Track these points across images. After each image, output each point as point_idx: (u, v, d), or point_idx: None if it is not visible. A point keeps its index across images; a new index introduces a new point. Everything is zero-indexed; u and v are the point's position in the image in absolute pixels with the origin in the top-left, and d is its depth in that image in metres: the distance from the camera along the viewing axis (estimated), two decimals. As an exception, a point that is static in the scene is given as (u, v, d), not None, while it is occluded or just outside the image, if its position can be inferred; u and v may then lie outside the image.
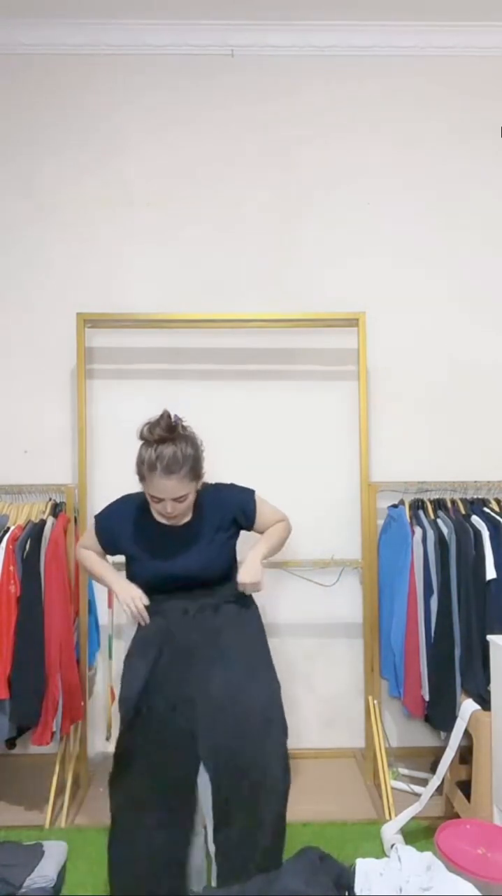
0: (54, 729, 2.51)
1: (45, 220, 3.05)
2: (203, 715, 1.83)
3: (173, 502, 1.89)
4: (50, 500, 2.82)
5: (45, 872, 1.96)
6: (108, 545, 2.08)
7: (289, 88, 3.08)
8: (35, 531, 2.61)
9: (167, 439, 1.88)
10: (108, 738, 2.88)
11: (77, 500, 2.80)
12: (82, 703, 2.66)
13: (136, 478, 1.95)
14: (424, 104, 3.09)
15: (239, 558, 2.11)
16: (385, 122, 3.08)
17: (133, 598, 1.94)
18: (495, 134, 3.09)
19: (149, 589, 1.97)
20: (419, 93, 3.09)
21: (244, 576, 1.98)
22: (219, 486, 2.10)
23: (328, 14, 2.96)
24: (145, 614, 1.94)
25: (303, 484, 2.99)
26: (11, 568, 2.53)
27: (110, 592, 2.81)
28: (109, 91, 3.07)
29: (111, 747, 2.90)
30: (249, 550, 2.06)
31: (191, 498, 1.95)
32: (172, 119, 3.07)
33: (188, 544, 1.98)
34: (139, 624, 1.96)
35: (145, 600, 1.94)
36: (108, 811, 2.55)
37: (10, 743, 2.62)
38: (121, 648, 2.93)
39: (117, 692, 2.86)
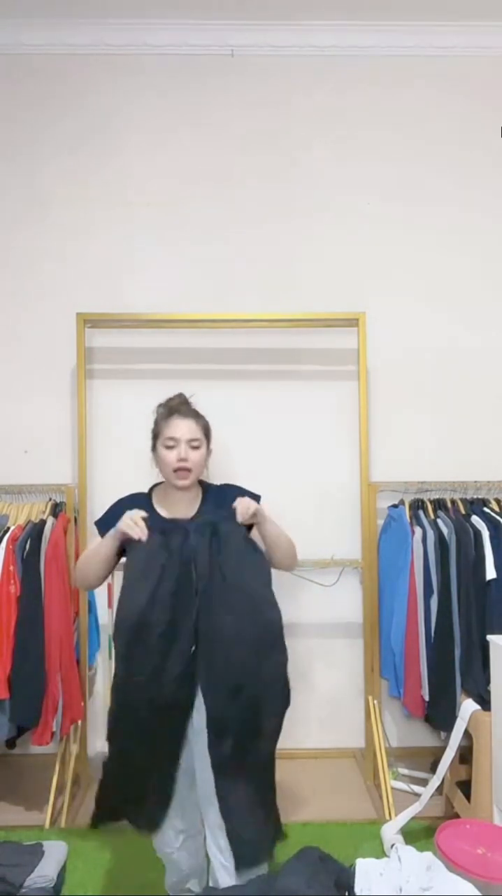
0: (54, 729, 2.52)
1: (46, 220, 3.05)
2: (203, 639, 1.77)
3: (187, 447, 1.94)
4: (50, 500, 2.82)
5: (45, 872, 1.96)
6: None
7: (288, 88, 3.08)
8: (35, 531, 2.61)
9: (182, 404, 2.04)
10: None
11: (77, 500, 2.80)
12: (82, 703, 2.66)
13: (149, 447, 2.04)
14: (424, 104, 3.09)
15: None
16: (385, 121, 3.08)
17: (131, 516, 1.84)
18: (495, 134, 3.09)
19: None
20: (419, 93, 3.09)
21: (240, 501, 1.89)
22: (225, 485, 2.11)
23: (328, 14, 2.96)
24: (144, 526, 1.84)
25: (303, 484, 2.99)
26: (11, 568, 2.53)
27: (110, 592, 2.81)
28: (109, 91, 3.07)
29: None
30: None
31: (202, 455, 1.98)
32: (172, 119, 3.07)
33: None
34: (135, 544, 1.85)
35: (143, 514, 1.86)
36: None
37: (10, 743, 2.62)
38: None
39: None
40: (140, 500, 2.02)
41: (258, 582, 1.86)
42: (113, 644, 1.87)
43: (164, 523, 1.90)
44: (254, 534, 1.98)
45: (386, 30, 3.03)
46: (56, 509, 2.77)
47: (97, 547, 1.94)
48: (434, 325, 3.06)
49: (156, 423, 2.04)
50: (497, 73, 3.10)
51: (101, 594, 2.87)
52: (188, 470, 1.94)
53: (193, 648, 1.76)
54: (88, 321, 2.85)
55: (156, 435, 2.03)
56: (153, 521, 1.88)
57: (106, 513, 2.03)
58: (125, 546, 1.88)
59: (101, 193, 3.05)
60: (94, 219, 3.05)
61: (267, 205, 3.07)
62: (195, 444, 1.96)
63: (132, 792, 1.87)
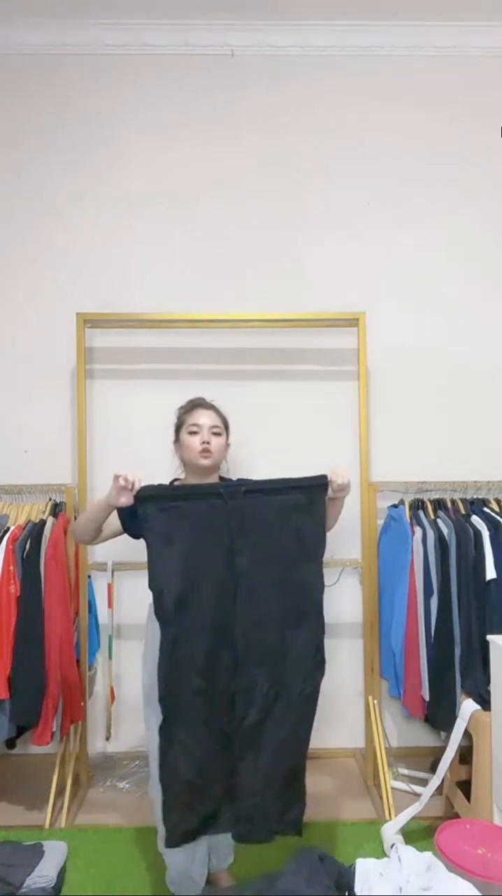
0: (54, 729, 2.51)
1: (46, 220, 3.05)
2: (241, 603, 1.85)
3: (209, 433, 2.08)
4: (50, 500, 2.82)
5: (45, 872, 1.96)
6: (135, 527, 2.00)
7: (289, 88, 3.08)
8: (35, 531, 2.61)
9: (204, 400, 2.20)
10: (107, 738, 2.88)
11: (77, 500, 2.80)
12: (82, 703, 2.66)
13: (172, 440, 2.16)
14: (424, 104, 3.09)
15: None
16: (385, 121, 3.08)
17: (121, 475, 1.88)
18: (495, 133, 3.09)
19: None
20: (419, 93, 3.09)
21: (338, 475, 1.97)
22: (242, 479, 2.18)
23: (328, 14, 2.96)
24: (134, 482, 1.89)
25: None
26: (11, 568, 2.53)
27: (110, 592, 2.81)
28: (109, 91, 3.07)
29: (111, 747, 2.92)
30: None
31: (222, 442, 2.12)
32: (172, 119, 3.07)
33: None
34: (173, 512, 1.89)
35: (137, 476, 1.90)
36: (106, 812, 2.57)
37: (10, 743, 2.62)
38: (121, 648, 2.94)
39: (117, 692, 2.87)
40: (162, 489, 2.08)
41: (298, 549, 1.92)
42: (155, 613, 1.89)
43: (190, 488, 2.01)
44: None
45: (387, 30, 3.03)
46: (56, 509, 2.77)
47: (84, 516, 2.04)
48: (434, 325, 3.06)
49: (180, 416, 2.18)
50: (497, 73, 3.10)
51: (101, 594, 2.87)
52: (210, 451, 2.07)
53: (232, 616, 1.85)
54: (88, 321, 2.85)
55: (179, 426, 2.16)
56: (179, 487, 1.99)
57: None
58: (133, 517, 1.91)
59: (100, 193, 3.05)
60: (94, 219, 3.05)
61: (267, 205, 3.07)
62: (216, 430, 2.11)
63: (200, 796, 1.87)
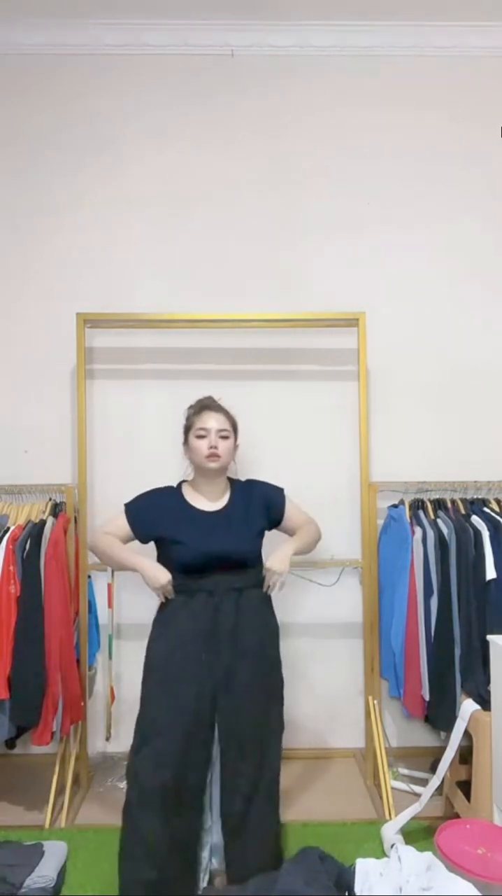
0: (54, 729, 2.51)
1: (46, 220, 3.05)
2: (222, 693, 1.98)
3: (217, 436, 2.12)
4: (50, 500, 2.82)
5: (45, 872, 1.96)
6: (144, 531, 2.14)
7: (289, 88, 3.08)
8: (35, 531, 2.61)
9: (213, 401, 2.24)
10: (107, 739, 2.88)
11: (77, 500, 2.80)
12: (82, 703, 2.66)
13: (181, 441, 2.22)
14: (424, 104, 3.09)
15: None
16: (385, 121, 3.08)
17: (158, 579, 2.03)
18: (495, 133, 3.09)
19: (186, 569, 2.05)
20: (419, 93, 3.09)
21: (273, 562, 2.09)
22: (251, 481, 2.28)
23: (328, 14, 2.96)
24: (171, 591, 2.04)
25: (302, 484, 2.97)
26: (11, 568, 2.53)
27: (110, 592, 2.81)
28: (109, 91, 3.07)
29: (111, 747, 2.92)
30: (281, 544, 2.16)
31: (230, 445, 2.16)
32: (172, 119, 3.07)
33: (223, 527, 2.11)
34: (164, 602, 2.07)
35: (169, 578, 2.04)
36: (107, 811, 2.57)
37: (10, 743, 2.62)
38: (121, 648, 2.94)
39: (117, 692, 2.87)
40: (173, 493, 2.18)
41: (269, 640, 2.10)
42: (142, 685, 2.05)
43: (192, 583, 2.04)
44: (288, 513, 2.24)
45: (387, 30, 3.03)
46: (56, 509, 2.77)
47: (115, 552, 2.11)
48: (434, 325, 3.06)
49: (188, 418, 2.21)
50: (497, 73, 3.10)
51: (101, 594, 2.87)
52: (218, 456, 2.11)
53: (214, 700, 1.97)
54: (88, 321, 2.85)
55: (187, 428, 2.19)
56: (179, 582, 2.04)
57: (137, 498, 2.18)
58: (150, 533, 2.13)
59: (100, 193, 3.05)
60: (94, 219, 3.05)
61: (267, 204, 3.07)
62: (224, 433, 2.14)
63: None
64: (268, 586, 2.09)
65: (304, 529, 2.26)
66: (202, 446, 2.11)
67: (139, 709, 2.01)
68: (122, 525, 2.15)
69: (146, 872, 1.86)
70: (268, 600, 2.13)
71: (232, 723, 1.96)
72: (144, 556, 2.09)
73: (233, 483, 2.23)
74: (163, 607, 2.07)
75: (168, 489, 2.20)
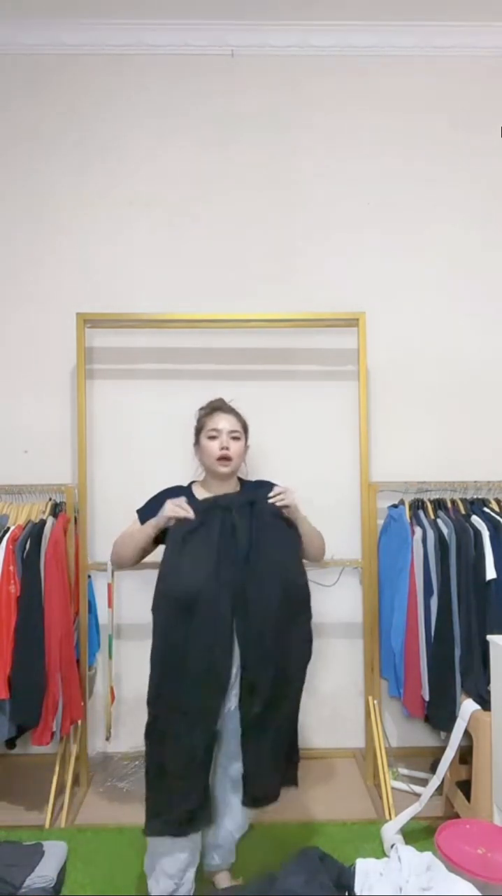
0: (54, 729, 2.51)
1: (46, 220, 3.05)
2: (240, 606, 1.92)
3: (228, 438, 2.11)
4: (50, 500, 2.82)
5: (45, 872, 1.96)
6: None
7: (288, 88, 3.08)
8: (35, 531, 2.61)
9: (224, 403, 2.23)
10: (107, 739, 2.88)
11: (77, 500, 2.80)
12: (82, 703, 2.66)
13: (192, 441, 2.20)
14: (424, 104, 3.09)
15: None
16: (385, 121, 3.08)
17: (174, 501, 2.00)
18: (495, 133, 3.09)
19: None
20: (419, 93, 3.09)
21: (282, 488, 2.05)
22: (262, 482, 2.25)
23: (328, 14, 2.96)
24: (190, 511, 1.99)
25: (302, 484, 2.96)
26: (11, 568, 2.53)
27: (110, 592, 2.81)
28: (109, 91, 3.07)
29: (111, 747, 2.92)
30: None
31: (241, 446, 2.16)
32: (172, 119, 3.07)
33: None
34: (178, 524, 2.00)
35: (184, 500, 2.02)
36: (107, 811, 2.57)
37: (10, 743, 2.62)
38: (121, 648, 2.94)
39: (117, 692, 2.87)
40: (181, 492, 2.16)
41: (289, 552, 2.05)
42: (154, 609, 1.97)
43: (204, 503, 2.04)
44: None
45: (387, 30, 3.03)
46: (56, 509, 2.77)
47: (136, 532, 2.10)
48: (434, 325, 3.06)
49: (199, 419, 2.21)
50: (497, 73, 3.10)
51: (101, 594, 2.87)
52: (229, 458, 2.10)
53: (233, 616, 1.90)
54: (88, 321, 2.85)
55: (198, 430, 2.19)
56: (193, 502, 2.03)
57: (148, 502, 2.17)
58: (167, 528, 2.04)
59: (101, 193, 3.05)
60: (94, 219, 3.05)
61: (267, 205, 3.07)
62: (235, 435, 2.14)
63: (179, 790, 1.90)
64: (277, 494, 2.03)
65: (310, 533, 2.19)
66: (213, 447, 2.11)
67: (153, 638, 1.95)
68: (133, 525, 2.16)
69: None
70: (287, 520, 2.06)
71: (252, 640, 1.91)
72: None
73: (244, 484, 2.23)
74: (176, 525, 2.01)
75: (178, 489, 2.20)
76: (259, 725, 1.92)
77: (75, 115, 3.06)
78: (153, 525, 2.04)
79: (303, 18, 2.98)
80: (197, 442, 2.20)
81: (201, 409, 2.23)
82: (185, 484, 2.22)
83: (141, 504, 2.19)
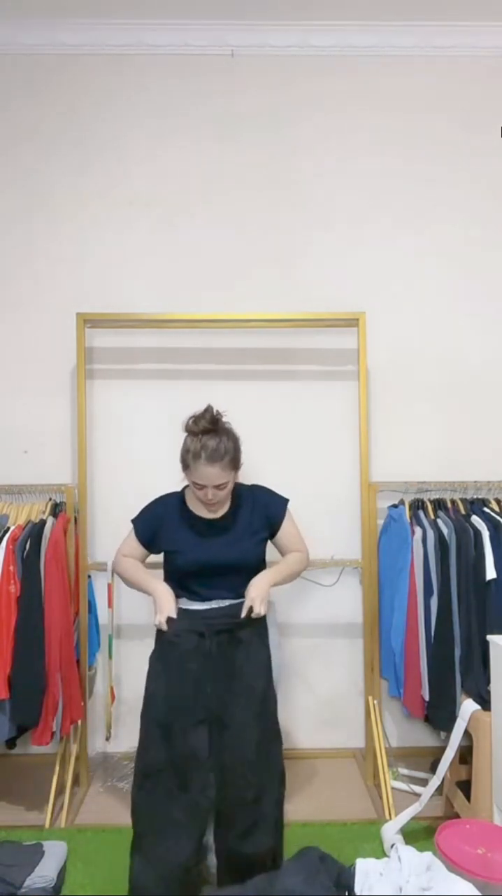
0: (54, 729, 2.51)
1: (46, 220, 3.05)
2: (217, 727, 1.93)
3: (214, 490, 2.02)
4: (50, 500, 2.82)
5: (45, 872, 1.96)
6: (150, 543, 2.16)
7: (288, 88, 3.08)
8: (35, 531, 2.61)
9: (210, 430, 2.03)
10: (107, 739, 2.88)
11: (77, 500, 2.80)
12: (82, 703, 2.66)
13: (180, 467, 2.09)
14: (424, 104, 3.09)
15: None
16: (385, 121, 3.08)
17: (163, 610, 2.00)
18: (495, 133, 3.09)
19: (188, 576, 2.06)
20: (419, 93, 3.09)
21: (252, 589, 2.02)
22: (255, 487, 2.23)
23: (328, 14, 2.96)
24: (164, 626, 2.00)
25: (303, 484, 2.98)
26: (11, 568, 2.53)
27: (110, 592, 2.81)
28: (109, 91, 3.07)
29: (111, 747, 2.92)
30: (262, 573, 2.10)
31: (230, 486, 2.08)
32: (172, 119, 3.07)
33: (225, 536, 2.10)
34: (162, 632, 2.02)
35: (173, 613, 2.01)
36: (107, 811, 2.57)
37: (10, 743, 2.62)
38: (121, 648, 2.94)
39: (117, 692, 2.87)
40: (174, 501, 2.16)
41: (264, 679, 2.01)
42: (141, 726, 2.00)
43: (187, 623, 2.01)
44: (283, 530, 2.19)
45: (386, 30, 3.03)
46: (56, 509, 2.77)
47: (133, 576, 2.15)
48: (434, 325, 3.06)
49: (184, 456, 2.05)
50: (497, 73, 3.09)
51: (101, 594, 2.87)
52: (216, 504, 2.08)
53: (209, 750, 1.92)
54: (88, 321, 2.85)
55: (184, 464, 2.07)
56: (178, 620, 2.00)
57: (142, 512, 2.19)
58: (160, 546, 2.13)
59: (101, 193, 3.05)
60: (95, 219, 3.05)
61: (267, 204, 3.07)
62: (222, 486, 2.03)
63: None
64: (247, 610, 1.98)
65: (290, 559, 2.19)
66: (200, 495, 2.05)
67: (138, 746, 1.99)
68: (133, 542, 2.18)
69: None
70: (261, 634, 2.05)
71: (228, 761, 1.91)
72: (160, 582, 2.10)
73: (238, 489, 2.18)
74: (159, 640, 2.04)
75: (170, 497, 2.18)
76: (236, 861, 1.91)
77: (75, 115, 3.06)
78: (145, 588, 2.10)
79: (302, 18, 2.98)
80: (184, 469, 2.08)
81: (187, 432, 2.06)
82: (180, 488, 2.19)
83: (138, 509, 2.20)
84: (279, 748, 2.02)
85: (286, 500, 2.23)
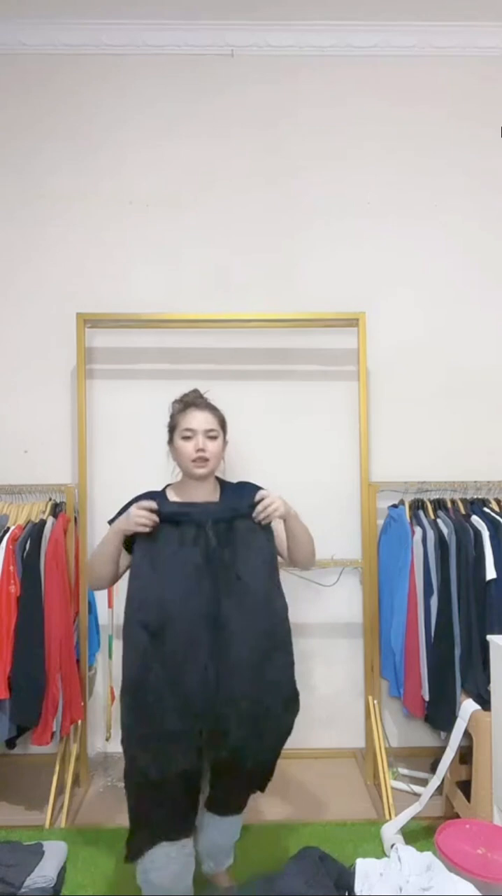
0: (54, 729, 2.52)
1: (46, 220, 3.04)
2: (216, 642, 1.77)
3: (204, 438, 1.97)
4: (50, 500, 2.82)
5: (45, 872, 1.96)
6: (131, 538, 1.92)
7: (289, 88, 3.08)
8: (35, 531, 2.61)
9: (198, 397, 2.08)
10: (107, 739, 2.88)
11: (77, 500, 2.80)
12: (82, 703, 2.66)
13: (166, 439, 2.06)
14: (424, 104, 3.09)
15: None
16: (385, 122, 3.08)
17: (137, 509, 1.79)
18: (495, 133, 3.09)
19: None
20: (419, 93, 3.09)
21: (266, 492, 1.87)
22: (244, 483, 2.13)
23: (328, 14, 2.96)
24: (151, 518, 1.80)
25: (302, 484, 2.98)
26: (11, 568, 2.53)
27: (110, 592, 2.81)
28: (109, 91, 3.07)
29: (111, 747, 2.92)
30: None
31: (219, 445, 2.02)
32: (172, 119, 3.07)
33: None
34: (146, 536, 1.82)
35: (151, 504, 1.81)
36: (107, 811, 2.57)
37: (10, 743, 2.62)
38: (121, 648, 2.94)
39: (117, 692, 2.87)
40: (156, 497, 2.00)
41: (266, 575, 1.86)
42: (123, 636, 1.82)
43: (178, 508, 1.89)
44: (278, 527, 1.98)
45: (386, 30, 3.03)
46: (56, 509, 2.77)
47: (102, 546, 1.92)
48: (434, 325, 3.06)
49: (173, 416, 2.06)
50: (497, 73, 3.09)
51: (101, 594, 2.87)
52: (206, 459, 1.96)
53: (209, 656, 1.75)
54: (88, 321, 2.85)
55: (172, 428, 2.05)
56: (166, 505, 1.85)
57: (120, 511, 2.01)
58: (135, 538, 1.85)
59: (100, 193, 3.05)
60: (94, 219, 3.05)
61: (267, 204, 3.07)
62: (212, 434, 1.99)
63: (162, 806, 1.81)
64: (261, 510, 1.84)
65: (302, 535, 2.03)
66: (189, 448, 1.96)
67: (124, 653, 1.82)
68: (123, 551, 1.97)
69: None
70: (267, 530, 1.90)
71: (223, 665, 1.75)
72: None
73: (224, 486, 2.09)
74: (143, 538, 1.82)
75: (150, 495, 2.03)
76: (228, 770, 1.84)
77: (75, 114, 3.06)
78: (120, 531, 1.85)
79: (302, 18, 2.98)
80: (170, 441, 2.05)
81: (175, 402, 2.08)
82: (160, 488, 2.08)
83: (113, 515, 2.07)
84: (287, 661, 1.88)
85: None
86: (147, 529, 1.79)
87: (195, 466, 1.97)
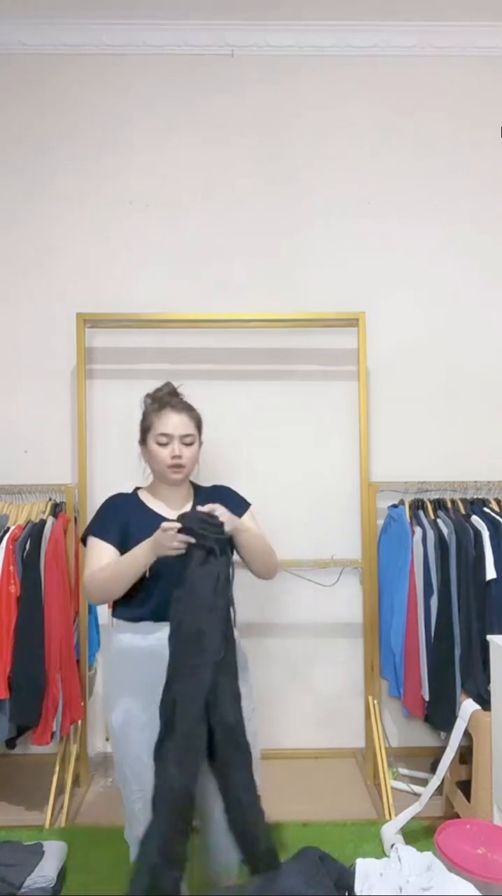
0: (54, 729, 2.52)
1: (46, 220, 3.04)
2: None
3: (180, 444, 1.88)
4: (50, 500, 2.82)
5: (45, 872, 1.97)
6: (122, 540, 1.85)
7: (289, 88, 3.08)
8: (35, 531, 2.61)
9: (173, 396, 1.98)
10: (107, 739, 2.88)
11: (77, 500, 2.80)
12: (82, 703, 2.66)
13: (138, 443, 1.96)
14: (424, 104, 3.09)
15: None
16: (384, 121, 3.08)
17: (168, 536, 1.68)
18: (495, 133, 3.09)
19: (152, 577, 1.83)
20: (419, 93, 3.09)
21: (213, 507, 1.74)
22: (218, 487, 2.05)
23: (328, 14, 2.96)
24: (183, 536, 1.69)
25: (302, 484, 2.99)
26: (11, 568, 2.53)
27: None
28: (109, 91, 3.07)
29: (111, 747, 2.91)
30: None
31: (195, 450, 1.93)
32: (172, 119, 3.07)
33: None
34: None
35: (176, 525, 1.71)
36: (106, 812, 2.57)
37: (11, 743, 2.62)
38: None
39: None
40: (130, 497, 1.96)
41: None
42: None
43: (193, 525, 1.74)
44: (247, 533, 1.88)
45: (387, 30, 3.03)
46: (56, 509, 2.77)
47: (125, 568, 1.78)
48: (434, 325, 3.06)
49: (146, 415, 1.95)
50: (497, 73, 3.09)
51: (101, 594, 2.87)
52: (182, 466, 1.88)
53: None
54: (88, 321, 2.85)
55: (146, 428, 1.93)
56: (187, 521, 1.72)
57: (98, 515, 1.94)
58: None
59: (101, 193, 3.05)
60: (94, 219, 3.05)
61: (267, 204, 3.07)
62: (188, 440, 1.90)
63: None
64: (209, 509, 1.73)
65: (257, 546, 1.90)
66: (164, 455, 1.86)
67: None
68: (99, 549, 1.85)
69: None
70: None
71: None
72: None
73: (198, 490, 1.99)
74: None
75: (121, 496, 1.97)
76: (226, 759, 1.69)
77: (75, 115, 3.06)
78: (146, 555, 1.74)
79: (302, 18, 2.98)
80: (143, 441, 1.94)
81: (147, 397, 1.97)
82: (129, 490, 1.99)
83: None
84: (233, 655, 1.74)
85: (248, 504, 1.99)
86: (183, 551, 1.69)
87: (171, 473, 1.88)
